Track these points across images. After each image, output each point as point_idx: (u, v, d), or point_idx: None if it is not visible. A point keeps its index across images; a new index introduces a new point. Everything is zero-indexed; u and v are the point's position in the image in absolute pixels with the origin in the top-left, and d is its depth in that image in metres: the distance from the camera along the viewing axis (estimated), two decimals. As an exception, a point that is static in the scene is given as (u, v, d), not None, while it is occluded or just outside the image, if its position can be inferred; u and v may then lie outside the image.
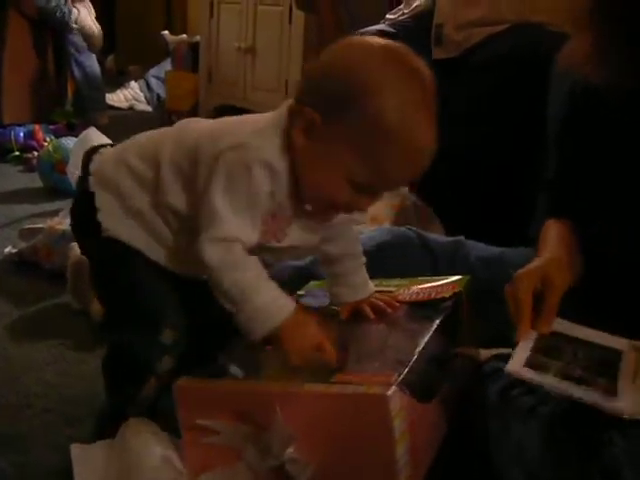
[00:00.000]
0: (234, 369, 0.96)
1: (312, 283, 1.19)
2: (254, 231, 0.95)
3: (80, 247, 1.24)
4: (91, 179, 1.06)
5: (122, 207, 1.04)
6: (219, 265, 0.93)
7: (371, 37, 0.99)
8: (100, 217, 1.04)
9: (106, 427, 1.06)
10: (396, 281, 1.14)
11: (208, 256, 0.93)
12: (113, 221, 1.04)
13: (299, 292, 1.15)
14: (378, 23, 2.31)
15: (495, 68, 1.85)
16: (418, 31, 2.16)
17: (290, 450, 0.82)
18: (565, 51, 1.12)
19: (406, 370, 0.82)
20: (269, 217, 0.97)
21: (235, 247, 0.93)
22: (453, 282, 1.07)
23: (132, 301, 1.05)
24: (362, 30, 2.19)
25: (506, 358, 1.03)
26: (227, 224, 0.93)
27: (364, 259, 1.13)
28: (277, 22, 3.22)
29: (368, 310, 1.09)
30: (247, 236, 0.94)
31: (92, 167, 1.07)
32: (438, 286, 1.08)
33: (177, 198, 1.01)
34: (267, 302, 0.93)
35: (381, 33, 2.16)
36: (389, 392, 0.76)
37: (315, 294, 1.14)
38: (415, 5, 2.26)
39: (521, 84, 1.78)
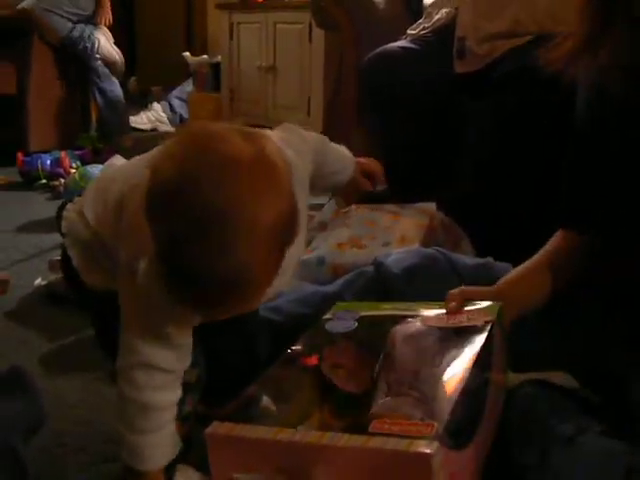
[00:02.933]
0: (266, 400, 0.95)
1: (339, 305, 1.18)
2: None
3: (77, 304, 1.22)
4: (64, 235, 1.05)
5: (89, 257, 1.02)
6: (132, 385, 0.95)
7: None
8: (75, 266, 1.03)
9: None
10: (424, 304, 1.12)
11: None
12: (87, 270, 1.03)
13: (325, 316, 1.13)
14: (399, 38, 2.31)
15: (519, 82, 1.83)
16: (440, 45, 2.15)
17: None
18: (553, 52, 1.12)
19: (446, 419, 0.79)
20: None
21: (154, 374, 0.94)
22: (485, 309, 1.05)
23: None
24: (383, 47, 2.19)
25: (537, 383, 1.01)
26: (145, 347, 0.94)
27: (327, 143, 1.14)
28: (297, 40, 3.23)
29: (364, 181, 1.15)
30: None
31: (63, 225, 1.06)
32: (469, 312, 1.06)
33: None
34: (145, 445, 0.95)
35: (403, 50, 2.16)
36: (431, 450, 0.74)
37: (342, 317, 1.12)
38: (436, 19, 2.25)
39: (546, 98, 1.76)
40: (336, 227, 1.81)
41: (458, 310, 1.04)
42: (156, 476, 0.97)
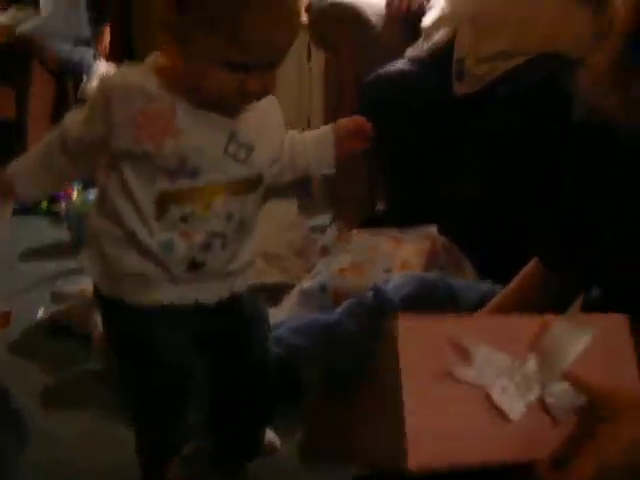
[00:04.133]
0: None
1: None
2: (84, 125, 1.01)
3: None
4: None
5: (104, 260, 1.04)
6: None
7: None
8: (91, 276, 1.07)
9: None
10: None
11: None
12: (100, 275, 1.05)
13: None
14: (398, 59, 2.30)
15: (518, 103, 1.84)
16: (439, 67, 2.16)
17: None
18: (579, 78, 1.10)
19: None
20: (137, 114, 0.96)
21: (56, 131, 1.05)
22: None
23: (154, 385, 1.05)
24: (383, 69, 2.19)
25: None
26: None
27: (295, 135, 1.14)
28: (296, 60, 3.22)
29: (349, 143, 1.14)
30: (74, 126, 1.03)
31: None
32: None
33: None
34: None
35: (402, 71, 2.17)
36: None
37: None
38: (435, 40, 2.25)
39: (545, 119, 1.75)
40: (338, 252, 1.81)
41: None
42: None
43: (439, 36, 2.24)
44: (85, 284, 1.89)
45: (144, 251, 1.00)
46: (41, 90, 3.68)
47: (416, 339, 0.74)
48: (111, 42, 3.88)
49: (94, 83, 3.38)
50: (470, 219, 1.88)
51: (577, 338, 0.77)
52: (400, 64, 2.24)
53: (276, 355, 1.33)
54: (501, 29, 2.12)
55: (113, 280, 1.03)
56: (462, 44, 2.15)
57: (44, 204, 3.16)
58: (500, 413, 0.74)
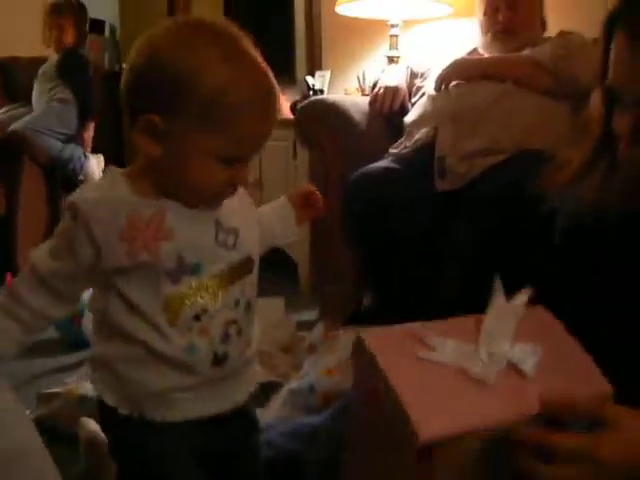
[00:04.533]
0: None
1: None
2: (56, 260, 0.96)
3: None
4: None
5: (121, 383, 0.99)
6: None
7: (167, 21, 0.95)
8: (107, 400, 1.01)
9: None
10: None
11: None
12: (117, 398, 1.00)
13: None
14: (381, 157, 2.36)
15: (497, 203, 1.87)
16: (421, 164, 2.21)
17: None
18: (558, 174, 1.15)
19: None
20: (125, 228, 0.93)
21: (24, 272, 0.99)
22: None
23: None
24: (366, 167, 2.24)
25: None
26: (39, 247, 0.99)
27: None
28: (282, 156, 3.29)
29: (304, 213, 1.15)
30: (45, 262, 0.97)
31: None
32: None
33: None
34: None
35: (385, 170, 2.21)
36: None
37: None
38: (416, 138, 2.32)
39: (526, 217, 1.79)
40: (325, 351, 1.82)
41: None
42: None
43: (421, 134, 2.31)
44: (71, 384, 1.89)
45: (165, 362, 0.96)
46: (31, 185, 3.73)
47: (387, 347, 0.86)
48: (95, 137, 3.97)
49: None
50: (455, 314, 1.89)
51: (507, 321, 0.90)
52: (383, 162, 2.30)
53: (266, 458, 1.33)
54: (481, 127, 2.18)
55: (134, 400, 0.99)
56: (443, 142, 2.22)
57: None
58: (478, 381, 0.83)
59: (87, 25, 4.10)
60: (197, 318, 0.96)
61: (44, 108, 3.84)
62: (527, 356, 0.88)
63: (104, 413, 1.04)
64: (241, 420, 1.08)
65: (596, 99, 1.12)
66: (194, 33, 0.92)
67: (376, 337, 0.88)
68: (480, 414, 0.80)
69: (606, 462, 0.74)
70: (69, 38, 3.92)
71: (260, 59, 0.93)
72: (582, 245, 1.18)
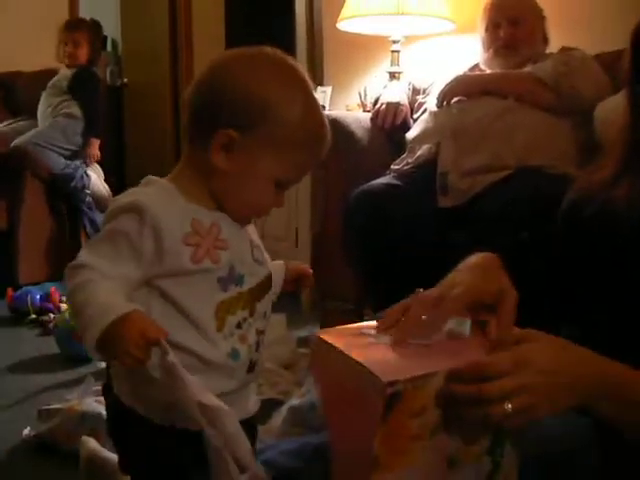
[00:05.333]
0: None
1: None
2: (115, 263, 0.93)
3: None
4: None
5: (155, 391, 0.97)
6: (69, 289, 0.93)
7: (248, 49, 1.04)
8: (138, 409, 1.00)
9: None
10: None
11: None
12: (148, 407, 1.00)
13: None
14: (383, 174, 2.36)
15: (500, 219, 1.87)
16: (423, 181, 2.21)
17: None
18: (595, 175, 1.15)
19: None
20: (189, 235, 0.96)
21: (84, 271, 0.92)
22: None
23: None
24: (368, 184, 2.23)
25: None
26: (81, 253, 0.95)
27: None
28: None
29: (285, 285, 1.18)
30: (102, 265, 0.92)
31: None
32: None
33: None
34: (101, 304, 0.89)
35: (387, 186, 2.21)
36: None
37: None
38: (418, 154, 2.31)
39: (529, 234, 1.79)
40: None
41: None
42: (140, 312, 0.90)
43: (423, 150, 2.31)
44: (72, 400, 1.88)
45: (210, 368, 0.99)
46: (33, 200, 3.74)
47: (342, 337, 0.92)
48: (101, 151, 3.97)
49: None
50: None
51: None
52: (385, 178, 2.29)
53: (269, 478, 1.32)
54: (483, 143, 2.18)
55: (166, 408, 0.98)
56: (445, 158, 2.22)
57: (33, 314, 3.17)
58: (420, 344, 0.91)
59: (101, 43, 4.13)
60: (239, 326, 1.01)
61: (50, 123, 3.86)
62: (461, 323, 0.96)
63: (128, 424, 1.03)
64: (249, 428, 1.08)
65: (621, 107, 1.13)
66: (280, 66, 1.02)
67: (331, 332, 0.95)
68: (436, 366, 0.86)
69: (533, 359, 0.85)
70: (83, 54, 3.96)
71: (315, 97, 1.04)
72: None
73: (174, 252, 0.95)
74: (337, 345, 0.90)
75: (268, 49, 1.04)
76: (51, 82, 3.97)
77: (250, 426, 1.09)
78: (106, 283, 0.92)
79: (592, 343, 0.98)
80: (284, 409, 1.68)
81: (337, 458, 0.93)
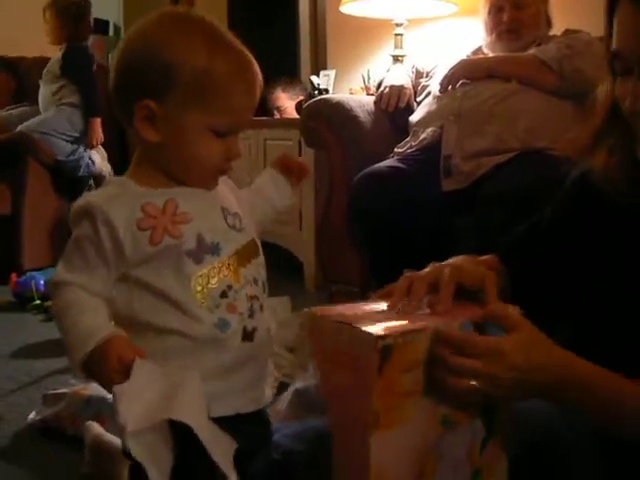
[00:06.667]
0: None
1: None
2: (89, 272, 0.95)
3: None
4: None
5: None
6: (54, 311, 0.96)
7: (152, 14, 1.02)
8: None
9: None
10: None
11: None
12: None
13: None
14: (386, 157, 2.36)
15: (506, 200, 1.86)
16: (427, 164, 2.20)
17: None
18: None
19: None
20: (143, 220, 0.96)
21: (64, 290, 0.95)
22: None
23: None
24: (372, 167, 2.23)
25: None
26: (58, 269, 0.96)
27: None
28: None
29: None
30: (79, 279, 0.95)
31: None
32: None
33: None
34: (81, 331, 0.92)
35: (391, 169, 2.21)
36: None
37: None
38: (422, 137, 2.31)
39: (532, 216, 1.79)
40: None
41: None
42: (117, 336, 0.92)
43: (426, 134, 2.30)
44: (77, 384, 1.89)
45: (200, 344, 0.98)
46: (37, 186, 3.74)
47: (331, 309, 0.95)
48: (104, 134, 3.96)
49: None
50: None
51: None
52: (389, 161, 2.29)
53: (274, 460, 1.33)
54: (486, 126, 2.18)
55: None
56: (449, 141, 2.21)
57: (37, 300, 3.17)
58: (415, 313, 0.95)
59: (91, 18, 4.08)
60: (224, 295, 0.99)
61: (55, 111, 3.82)
62: None
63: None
64: (259, 418, 1.08)
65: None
66: (177, 23, 1.00)
67: (324, 308, 0.95)
68: (426, 325, 0.90)
69: (507, 353, 0.88)
70: (60, 32, 3.89)
71: (235, 39, 1.01)
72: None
73: (131, 241, 0.95)
74: (330, 315, 0.92)
75: (168, 8, 1.04)
76: (45, 69, 3.95)
77: (260, 414, 1.08)
78: (87, 302, 0.95)
79: (585, 340, 1.00)
80: (289, 392, 1.68)
81: (337, 432, 0.93)
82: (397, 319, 0.92)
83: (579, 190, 1.15)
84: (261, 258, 1.07)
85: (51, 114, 3.84)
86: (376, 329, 0.85)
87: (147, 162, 1.01)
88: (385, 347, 0.83)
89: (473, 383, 0.87)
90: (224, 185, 1.08)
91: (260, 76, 1.02)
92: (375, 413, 0.85)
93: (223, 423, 1.00)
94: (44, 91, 3.94)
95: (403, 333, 0.85)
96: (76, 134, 3.82)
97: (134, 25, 1.02)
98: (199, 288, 0.97)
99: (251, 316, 1.01)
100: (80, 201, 0.97)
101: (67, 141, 3.79)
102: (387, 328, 0.86)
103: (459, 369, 0.87)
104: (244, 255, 1.03)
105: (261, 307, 1.03)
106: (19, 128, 3.78)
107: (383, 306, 0.98)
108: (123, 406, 0.88)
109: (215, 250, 0.99)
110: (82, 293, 0.95)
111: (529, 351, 0.90)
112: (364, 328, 0.85)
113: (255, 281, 1.03)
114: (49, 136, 3.73)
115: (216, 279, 0.98)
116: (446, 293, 0.98)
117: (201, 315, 0.97)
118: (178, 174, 1.00)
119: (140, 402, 0.89)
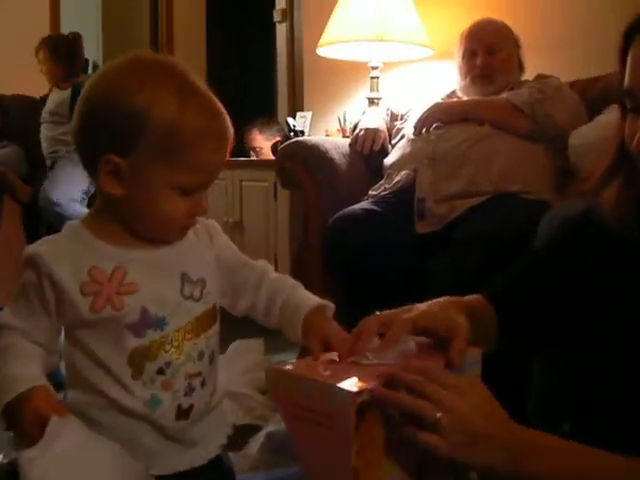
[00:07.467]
0: None
1: None
2: (31, 319, 0.94)
3: None
4: None
5: (86, 420, 0.95)
6: None
7: (116, 60, 0.98)
8: None
9: None
10: None
11: None
12: None
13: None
14: (361, 199, 2.37)
15: (478, 244, 1.88)
16: (401, 206, 2.21)
17: None
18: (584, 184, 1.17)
19: None
20: (88, 283, 0.92)
21: (5, 334, 0.94)
22: None
23: None
24: (346, 209, 2.24)
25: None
26: (4, 311, 0.95)
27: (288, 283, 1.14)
28: (263, 198, 3.31)
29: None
30: (20, 324, 0.94)
31: None
32: None
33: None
34: (7, 377, 0.91)
35: (365, 212, 2.22)
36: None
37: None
38: (396, 180, 2.32)
39: (507, 259, 1.80)
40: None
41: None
42: (39, 389, 0.90)
43: (400, 176, 2.32)
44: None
45: (132, 415, 0.95)
46: (11, 221, 3.71)
47: (292, 365, 0.94)
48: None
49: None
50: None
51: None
52: (363, 204, 2.30)
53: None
54: (460, 170, 2.20)
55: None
56: (423, 184, 2.23)
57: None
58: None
59: (83, 51, 4.00)
60: (161, 372, 0.95)
61: (72, 180, 3.54)
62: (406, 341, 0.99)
63: None
64: (215, 470, 1.06)
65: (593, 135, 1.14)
66: (147, 69, 0.94)
67: (284, 364, 0.94)
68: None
69: (471, 397, 0.87)
70: (57, 71, 3.85)
71: (207, 90, 0.96)
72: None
73: (72, 302, 0.93)
74: (295, 371, 0.90)
75: (137, 52, 0.97)
76: (47, 109, 3.83)
77: (216, 466, 1.05)
78: (22, 349, 0.94)
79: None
80: (261, 435, 1.66)
81: None
82: (365, 371, 0.90)
83: (582, 226, 1.15)
84: (216, 326, 1.03)
85: (69, 182, 3.57)
86: (350, 384, 0.83)
87: (107, 213, 0.97)
88: (363, 403, 0.81)
89: (435, 413, 0.84)
90: (200, 237, 1.04)
91: (231, 129, 0.97)
92: (355, 469, 0.83)
93: (173, 478, 0.99)
94: (49, 133, 3.81)
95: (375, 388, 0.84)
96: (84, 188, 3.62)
97: (99, 70, 0.98)
98: (136, 362, 0.94)
99: (187, 394, 0.97)
100: (30, 249, 0.94)
101: (83, 199, 3.63)
102: (360, 382, 0.84)
103: (424, 391, 0.85)
104: (196, 327, 0.98)
105: (203, 382, 0.99)
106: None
107: (334, 356, 0.96)
108: (29, 473, 0.88)
109: (159, 324, 0.95)
110: (20, 340, 0.94)
111: (488, 408, 0.88)
112: (338, 385, 0.83)
113: (200, 356, 0.99)
114: (73, 202, 3.57)
115: (155, 355, 0.95)
116: (398, 330, 0.97)
117: (134, 389, 0.94)
118: (139, 229, 0.96)
119: (45, 470, 0.88)
